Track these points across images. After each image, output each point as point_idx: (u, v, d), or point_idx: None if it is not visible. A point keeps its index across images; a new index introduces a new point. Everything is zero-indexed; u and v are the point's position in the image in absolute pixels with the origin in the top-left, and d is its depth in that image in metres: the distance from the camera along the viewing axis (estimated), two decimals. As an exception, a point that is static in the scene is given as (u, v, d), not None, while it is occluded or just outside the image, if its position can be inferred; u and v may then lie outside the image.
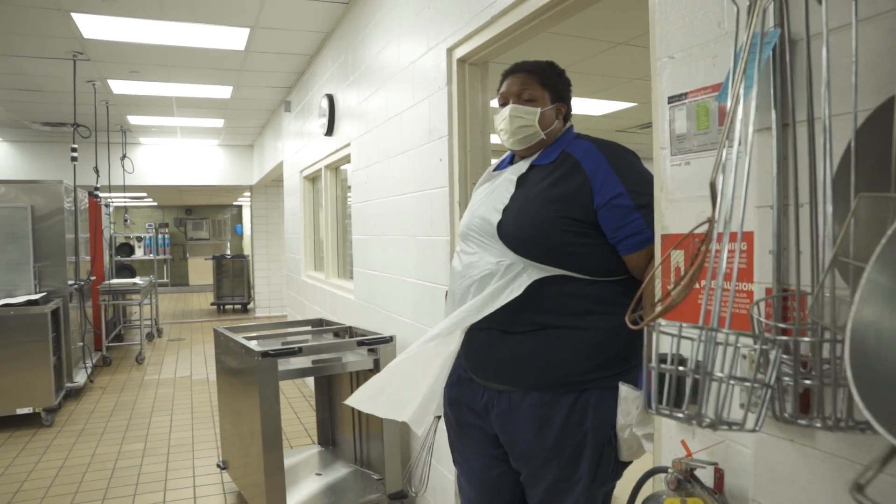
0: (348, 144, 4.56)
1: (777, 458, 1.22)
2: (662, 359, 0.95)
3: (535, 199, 1.67)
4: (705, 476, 1.43)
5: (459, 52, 2.76)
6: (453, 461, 2.04)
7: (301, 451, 4.09)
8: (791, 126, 1.14)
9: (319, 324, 4.23)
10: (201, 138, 10.29)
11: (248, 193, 12.25)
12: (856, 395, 0.59)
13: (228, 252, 18.11)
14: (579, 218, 1.61)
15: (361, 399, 1.80)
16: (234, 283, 12.70)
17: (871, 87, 0.94)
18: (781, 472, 1.21)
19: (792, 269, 1.17)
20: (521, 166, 1.79)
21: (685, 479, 1.37)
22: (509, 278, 1.64)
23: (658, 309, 0.90)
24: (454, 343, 1.75)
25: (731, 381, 0.88)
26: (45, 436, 4.90)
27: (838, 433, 0.98)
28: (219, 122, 8.87)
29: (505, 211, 1.70)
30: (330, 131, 5.04)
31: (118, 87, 6.60)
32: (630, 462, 1.72)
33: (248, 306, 12.72)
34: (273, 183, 10.86)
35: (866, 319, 0.64)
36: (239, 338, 3.29)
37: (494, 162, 2.00)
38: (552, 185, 1.67)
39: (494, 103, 2.07)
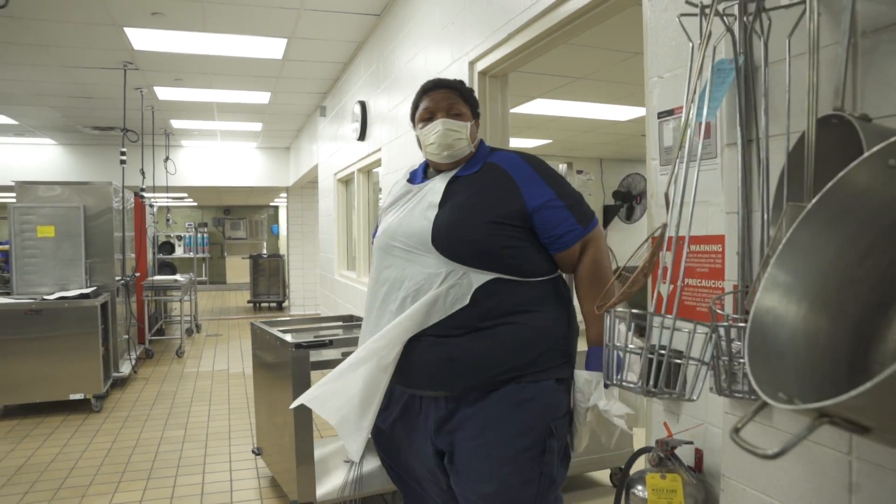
0: (379, 149, 4.78)
1: (743, 436, 1.39)
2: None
3: (468, 207, 1.69)
4: (687, 456, 1.59)
5: (481, 66, 2.95)
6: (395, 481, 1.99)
7: (331, 441, 4.32)
8: (755, 142, 1.31)
9: (350, 320, 4.45)
10: (240, 141, 10.66)
11: (284, 194, 12.61)
12: (747, 365, 0.76)
13: (265, 251, 18.55)
14: (512, 222, 1.66)
15: (309, 398, 1.77)
16: (269, 282, 13.07)
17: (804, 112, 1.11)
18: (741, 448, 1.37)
19: (755, 268, 1.34)
20: (443, 178, 1.79)
21: (666, 458, 1.54)
22: (449, 286, 1.63)
23: (614, 299, 1.08)
24: (391, 355, 1.67)
25: (671, 358, 1.05)
26: (95, 420, 5.22)
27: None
28: (257, 126, 9.21)
29: (436, 220, 1.69)
30: (362, 136, 5.27)
31: (163, 93, 6.95)
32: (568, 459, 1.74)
33: (284, 304, 13.08)
34: (308, 185, 11.19)
35: (766, 306, 0.82)
36: (274, 331, 3.52)
37: (401, 178, 1.97)
38: (482, 193, 1.71)
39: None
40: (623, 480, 1.63)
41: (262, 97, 7.28)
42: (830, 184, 0.76)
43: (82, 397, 5.45)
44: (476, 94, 2.98)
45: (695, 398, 1.08)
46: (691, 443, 1.50)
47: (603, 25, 2.39)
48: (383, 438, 1.87)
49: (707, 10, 1.10)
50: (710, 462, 1.55)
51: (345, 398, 1.68)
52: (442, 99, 1.81)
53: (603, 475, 3.70)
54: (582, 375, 1.70)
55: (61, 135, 9.56)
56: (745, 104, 1.29)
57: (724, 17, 1.14)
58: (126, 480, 3.91)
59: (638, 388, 1.10)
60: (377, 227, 1.93)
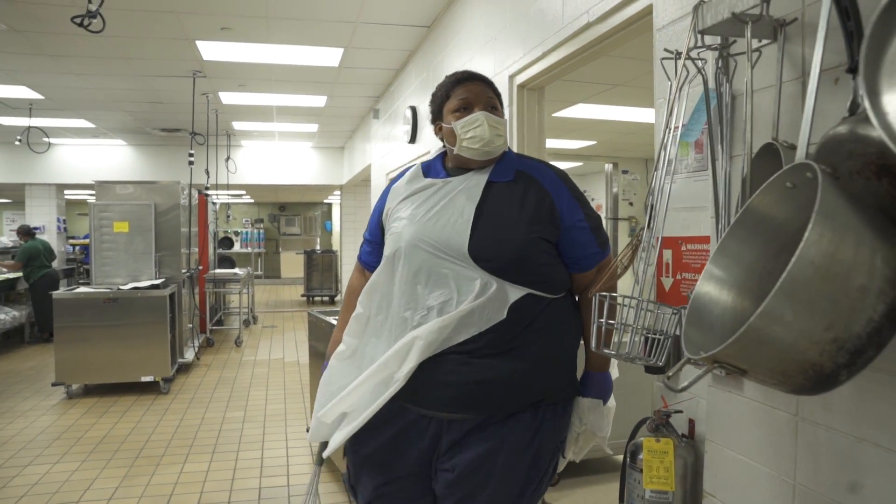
0: (429, 152, 5.09)
1: (720, 405, 1.64)
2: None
3: (512, 220, 1.61)
4: (683, 426, 1.85)
5: (519, 79, 3.23)
6: None
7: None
8: (734, 157, 1.56)
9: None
10: (297, 141, 11.15)
11: (337, 192, 13.08)
12: (682, 337, 1.03)
13: (318, 247, 19.12)
14: (550, 239, 1.61)
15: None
16: (322, 277, 13.57)
17: (764, 134, 1.36)
18: (722, 414, 1.63)
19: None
20: (474, 180, 1.69)
21: (661, 425, 1.80)
22: (486, 299, 1.54)
23: (602, 285, 1.35)
24: (405, 370, 1.55)
25: (638, 332, 1.32)
26: (163, 401, 5.69)
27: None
28: (313, 127, 9.66)
29: (476, 229, 1.59)
30: (413, 139, 5.60)
31: (227, 98, 7.43)
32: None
33: (336, 298, 13.56)
34: (362, 183, 11.60)
35: (703, 292, 1.08)
36: (331, 319, 3.87)
37: (413, 168, 1.83)
38: (523, 205, 1.63)
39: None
40: (628, 446, 1.89)
41: (319, 101, 7.69)
42: (747, 203, 1.02)
43: (152, 380, 5.94)
44: (514, 105, 3.28)
45: (660, 363, 1.34)
46: (681, 412, 1.76)
47: (634, 39, 2.60)
48: (371, 460, 1.70)
49: (683, 54, 1.35)
50: (700, 430, 1.79)
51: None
52: (481, 92, 1.72)
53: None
54: (585, 402, 1.69)
55: (131, 136, 10.21)
56: (718, 130, 1.54)
57: (696, 61, 1.40)
58: (194, 453, 4.33)
59: (620, 356, 1.37)
60: (376, 217, 1.82)
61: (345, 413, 1.65)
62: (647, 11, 2.08)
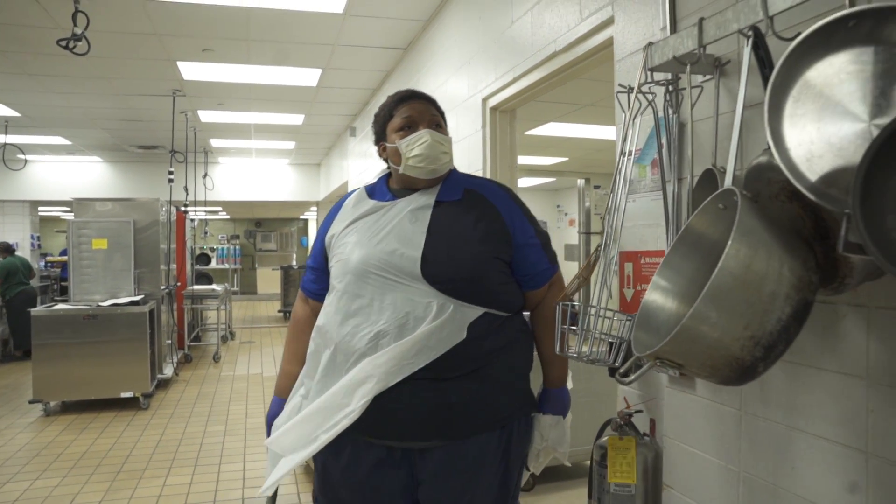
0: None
1: (675, 404, 1.81)
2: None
3: (465, 240, 1.58)
4: (645, 425, 2.00)
5: (492, 102, 3.40)
6: None
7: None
8: (686, 180, 1.73)
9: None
10: (274, 158, 11.25)
11: (314, 208, 13.17)
12: (632, 339, 1.19)
13: (294, 263, 19.14)
14: (504, 258, 1.61)
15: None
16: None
17: (706, 160, 1.53)
18: (678, 412, 1.80)
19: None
20: (422, 200, 1.65)
21: (624, 425, 1.95)
22: (443, 320, 1.50)
23: (568, 292, 1.51)
24: (360, 398, 1.49)
25: (596, 335, 1.48)
26: (143, 417, 5.73)
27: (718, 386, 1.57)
28: (290, 144, 9.77)
29: (429, 249, 1.55)
30: (389, 157, 5.75)
31: (206, 116, 7.52)
32: None
33: (312, 314, 13.57)
34: (338, 199, 11.70)
35: (650, 300, 1.24)
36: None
37: (356, 191, 1.80)
38: (475, 224, 1.60)
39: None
40: (594, 445, 2.04)
41: (297, 119, 7.82)
42: (686, 223, 1.19)
43: (132, 395, 5.96)
44: (487, 126, 3.45)
45: (617, 364, 1.49)
46: (640, 411, 1.92)
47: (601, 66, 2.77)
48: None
49: (635, 89, 1.53)
50: (660, 428, 1.95)
51: (298, 439, 1.58)
52: (424, 110, 1.69)
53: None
54: (546, 419, 1.71)
55: (108, 153, 10.23)
56: (668, 155, 1.71)
57: (647, 95, 1.57)
58: (176, 467, 4.39)
59: (581, 359, 1.53)
60: (319, 243, 1.76)
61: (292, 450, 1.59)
62: (609, 43, 2.26)
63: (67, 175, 10.71)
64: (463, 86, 3.78)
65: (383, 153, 1.76)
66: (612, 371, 1.65)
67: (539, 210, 14.46)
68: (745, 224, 0.96)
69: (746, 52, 1.14)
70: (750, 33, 1.13)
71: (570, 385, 1.84)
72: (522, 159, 9.37)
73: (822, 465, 1.32)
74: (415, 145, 1.63)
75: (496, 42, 3.28)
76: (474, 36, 3.61)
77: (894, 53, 0.89)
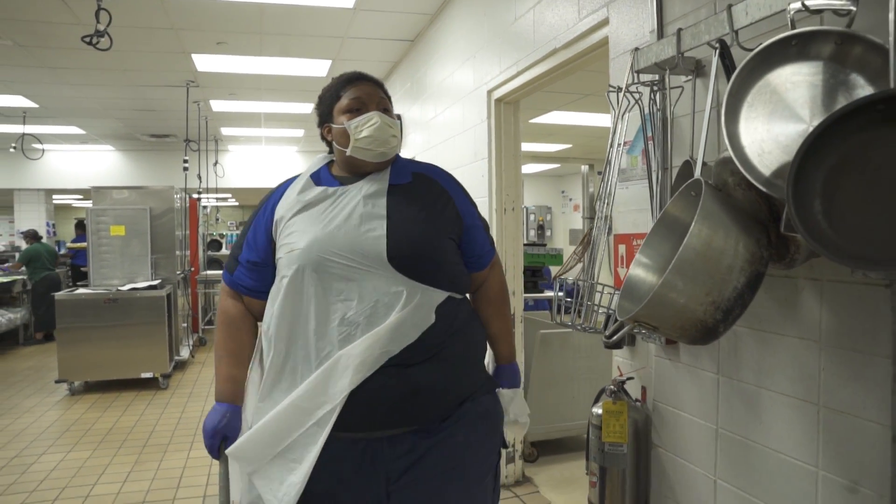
0: (415, 157, 5.44)
1: (663, 371, 2.01)
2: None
3: (424, 222, 1.58)
4: (637, 392, 2.21)
5: (497, 94, 3.57)
6: None
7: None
8: (657, 172, 1.91)
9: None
10: (283, 145, 11.43)
11: (322, 195, 13.34)
12: (617, 307, 1.38)
13: (302, 249, 19.28)
14: (455, 239, 1.62)
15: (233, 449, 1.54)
16: (308, 278, 13.78)
17: (686, 153, 1.72)
18: (665, 378, 2.00)
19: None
20: (375, 185, 1.61)
21: (617, 391, 2.15)
22: (414, 306, 1.49)
23: (561, 269, 1.70)
24: (338, 392, 1.44)
25: (588, 306, 1.68)
26: (163, 396, 5.98)
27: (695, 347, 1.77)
28: (299, 132, 9.95)
29: (392, 235, 1.52)
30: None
31: (217, 105, 7.71)
32: None
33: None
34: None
35: (633, 274, 1.44)
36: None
37: (299, 177, 1.69)
38: (430, 208, 1.61)
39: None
40: (591, 411, 2.24)
41: (306, 107, 7.99)
42: (664, 208, 1.38)
43: (151, 376, 6.22)
44: (493, 117, 3.63)
45: (605, 333, 1.69)
46: (632, 378, 2.12)
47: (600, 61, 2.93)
48: None
49: (623, 89, 1.71)
50: (650, 395, 2.16)
51: (268, 446, 1.48)
52: (373, 92, 1.65)
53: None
54: (506, 393, 1.73)
55: (121, 142, 10.44)
56: (653, 148, 1.90)
57: (634, 94, 1.75)
58: (198, 442, 4.63)
59: (576, 327, 1.73)
60: (263, 234, 1.62)
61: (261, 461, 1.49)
62: (604, 42, 2.44)
63: (81, 164, 10.94)
64: (469, 78, 3.95)
65: (328, 135, 1.69)
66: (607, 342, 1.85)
67: (544, 195, 14.65)
68: (707, 208, 1.16)
69: (714, 60, 1.33)
70: (717, 45, 1.32)
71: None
72: (527, 146, 9.54)
73: (783, 417, 1.52)
74: (363, 127, 1.58)
75: (500, 37, 3.46)
76: (479, 30, 3.78)
77: (826, 68, 1.08)
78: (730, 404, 1.70)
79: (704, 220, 1.15)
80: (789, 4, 1.13)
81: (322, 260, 1.50)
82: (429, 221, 1.59)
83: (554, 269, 8.44)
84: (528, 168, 12.81)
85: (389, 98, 1.71)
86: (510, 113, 3.62)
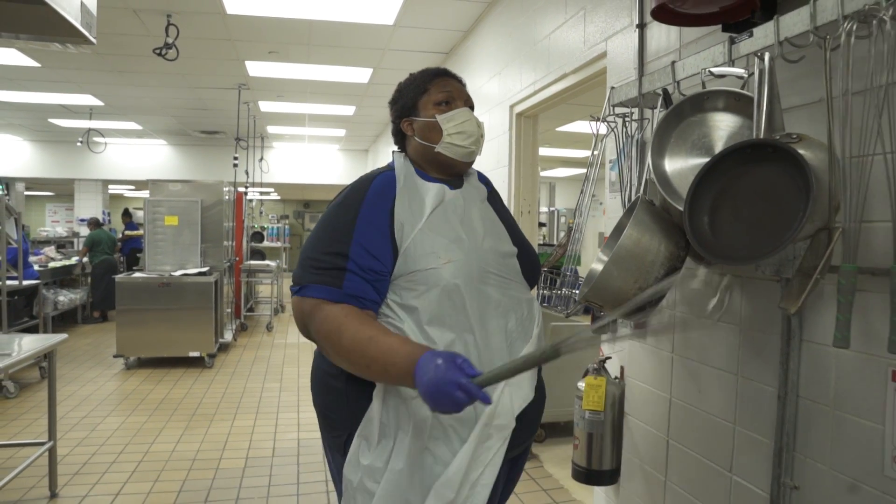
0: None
1: (634, 352, 2.40)
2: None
3: (519, 230, 1.60)
4: (616, 370, 2.59)
5: (518, 109, 3.98)
6: None
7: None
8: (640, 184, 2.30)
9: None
10: (325, 143, 12.00)
11: (360, 192, 13.88)
12: (578, 291, 1.79)
13: (339, 244, 19.83)
14: None
15: None
16: (344, 271, 14.32)
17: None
18: (635, 358, 2.39)
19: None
20: (477, 188, 1.59)
21: (599, 369, 2.55)
22: (540, 318, 1.50)
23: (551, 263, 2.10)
24: (504, 418, 1.37)
25: (564, 292, 2.07)
26: (208, 374, 6.52)
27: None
28: (341, 132, 10.48)
29: (516, 245, 1.53)
30: (430, 149, 6.36)
31: (265, 106, 8.26)
32: None
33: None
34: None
35: (593, 266, 1.84)
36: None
37: (403, 175, 1.50)
38: (510, 216, 1.64)
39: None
40: (576, 387, 2.64)
41: (348, 110, 8.50)
42: (619, 219, 1.78)
43: (198, 355, 6.77)
44: (514, 129, 4.04)
45: (569, 316, 2.09)
46: (610, 358, 2.51)
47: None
48: None
49: (600, 119, 2.12)
50: (627, 372, 2.55)
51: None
52: (462, 89, 1.58)
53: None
54: None
55: (173, 136, 11.12)
56: (626, 167, 2.29)
57: (610, 123, 2.15)
58: (240, 413, 5.14)
59: (552, 309, 2.13)
60: (384, 236, 1.38)
61: None
62: (604, 71, 2.83)
63: (136, 157, 11.67)
64: (495, 91, 4.37)
65: (408, 129, 1.57)
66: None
67: (575, 199, 14.96)
68: (638, 217, 1.56)
69: (659, 105, 1.73)
70: (661, 93, 1.71)
71: None
72: (558, 152, 9.89)
73: (715, 386, 1.91)
74: (457, 122, 1.50)
75: (522, 57, 3.86)
76: (506, 49, 4.19)
77: (728, 116, 1.47)
78: (679, 377, 2.09)
79: (636, 226, 1.55)
80: (702, 69, 1.52)
81: (483, 272, 1.40)
82: (518, 230, 1.62)
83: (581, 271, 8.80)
84: (559, 172, 13.14)
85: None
86: (529, 126, 4.03)
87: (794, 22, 1.30)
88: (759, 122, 1.32)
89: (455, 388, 1.11)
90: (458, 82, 1.60)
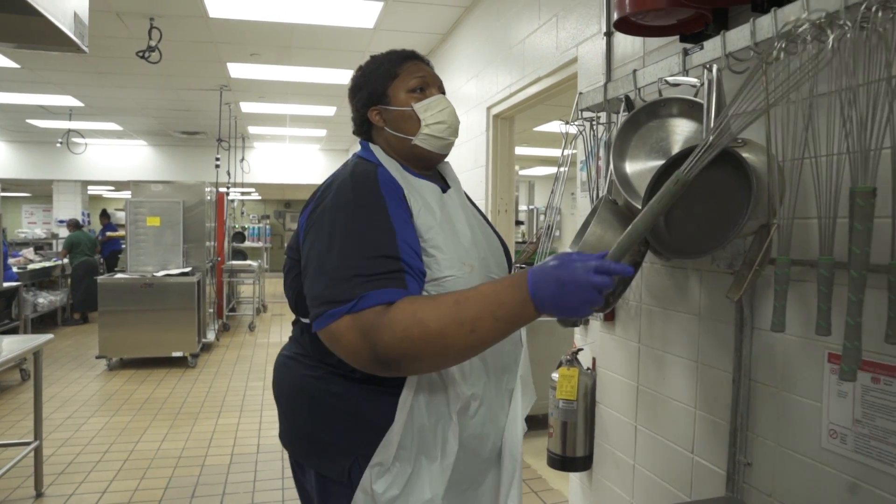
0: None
1: (604, 342, 2.52)
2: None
3: (488, 221, 1.55)
4: (589, 361, 2.72)
5: (495, 111, 4.10)
6: None
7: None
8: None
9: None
10: (306, 143, 12.05)
11: (341, 192, 13.95)
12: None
13: (321, 244, 19.84)
14: None
15: None
16: (326, 271, 14.38)
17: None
18: (605, 348, 2.51)
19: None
20: (457, 184, 1.48)
21: (572, 360, 2.67)
22: None
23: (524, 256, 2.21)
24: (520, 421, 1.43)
25: None
26: (192, 373, 6.57)
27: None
28: (322, 132, 10.54)
29: (501, 244, 1.50)
30: (410, 150, 6.47)
31: (246, 107, 8.30)
32: None
33: (338, 292, 14.37)
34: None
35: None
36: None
37: (391, 165, 1.36)
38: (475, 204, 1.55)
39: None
40: (550, 378, 2.76)
41: (329, 111, 8.57)
42: (585, 218, 1.90)
43: (181, 355, 6.81)
44: (491, 130, 4.15)
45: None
46: (582, 349, 2.63)
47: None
48: None
49: (569, 123, 2.24)
50: (598, 363, 2.67)
51: None
52: (435, 75, 1.43)
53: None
54: None
55: (154, 137, 11.11)
56: (594, 167, 2.41)
57: (578, 127, 2.27)
58: (224, 412, 5.21)
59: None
60: (411, 230, 1.25)
61: None
62: (575, 75, 2.95)
63: (115, 157, 11.63)
64: (473, 93, 4.48)
65: (378, 119, 1.40)
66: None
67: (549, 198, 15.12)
68: (601, 215, 1.67)
69: (621, 110, 1.85)
70: (623, 99, 1.83)
71: None
72: (536, 151, 10.04)
73: (677, 374, 2.04)
74: (434, 110, 1.36)
75: (498, 60, 3.98)
76: (483, 52, 4.31)
77: (683, 121, 1.60)
78: (646, 366, 2.22)
79: (599, 223, 1.66)
80: (659, 78, 1.65)
81: (488, 275, 1.34)
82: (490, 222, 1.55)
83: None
84: (538, 171, 13.29)
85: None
86: (506, 127, 4.15)
87: (737, 38, 1.42)
88: (709, 126, 1.44)
89: (592, 274, 1.01)
90: (430, 66, 1.43)
